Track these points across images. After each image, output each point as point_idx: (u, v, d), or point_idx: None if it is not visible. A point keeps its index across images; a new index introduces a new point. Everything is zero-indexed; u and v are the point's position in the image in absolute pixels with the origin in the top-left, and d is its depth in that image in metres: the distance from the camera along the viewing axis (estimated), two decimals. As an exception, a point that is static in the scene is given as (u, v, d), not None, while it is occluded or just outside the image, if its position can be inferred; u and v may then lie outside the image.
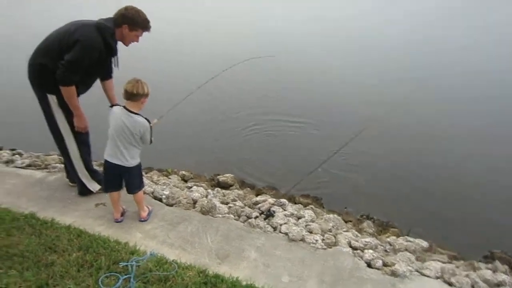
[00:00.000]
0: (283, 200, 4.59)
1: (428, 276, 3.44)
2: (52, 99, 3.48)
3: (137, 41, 3.57)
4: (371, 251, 3.68)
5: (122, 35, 3.47)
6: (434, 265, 3.63)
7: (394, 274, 3.36)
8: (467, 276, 3.51)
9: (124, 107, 3.29)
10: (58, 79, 3.27)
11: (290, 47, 14.60)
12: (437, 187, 6.44)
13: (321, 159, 6.65)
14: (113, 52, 3.50)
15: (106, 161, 3.45)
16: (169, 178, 5.22)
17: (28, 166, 4.68)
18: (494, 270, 3.85)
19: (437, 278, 3.46)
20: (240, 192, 5.08)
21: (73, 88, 3.36)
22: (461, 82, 11.01)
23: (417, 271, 3.52)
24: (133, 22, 3.40)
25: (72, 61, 3.24)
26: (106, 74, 3.75)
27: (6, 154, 5.05)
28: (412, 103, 9.06)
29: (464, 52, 14.43)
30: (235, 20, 19.71)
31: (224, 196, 4.60)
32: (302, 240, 3.68)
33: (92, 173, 3.97)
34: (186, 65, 11.83)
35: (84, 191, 4.00)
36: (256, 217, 3.94)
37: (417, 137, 8.00)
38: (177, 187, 4.63)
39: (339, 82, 11.21)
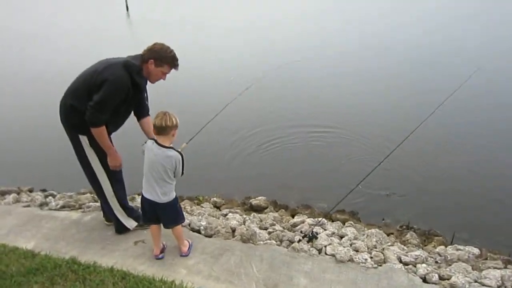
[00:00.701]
0: (322, 219, 4.46)
1: (489, 286, 3.25)
2: (84, 139, 3.46)
3: (164, 78, 3.51)
4: (424, 265, 3.51)
5: (148, 71, 3.42)
6: (493, 273, 3.43)
7: (453, 287, 3.18)
8: (530, 282, 3.30)
9: (156, 141, 3.24)
10: (88, 120, 3.25)
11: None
12: (474, 189, 6.22)
13: (352, 171, 6.59)
14: (140, 88, 3.46)
15: (142, 195, 3.42)
16: (202, 207, 5.15)
17: (62, 207, 4.67)
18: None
19: (499, 287, 3.27)
20: (276, 214, 4.97)
21: (103, 128, 3.33)
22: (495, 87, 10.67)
23: (476, 281, 3.33)
24: (159, 57, 3.35)
25: (100, 101, 3.22)
26: (140, 112, 3.70)
27: (39, 197, 5.06)
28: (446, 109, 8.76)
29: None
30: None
31: (261, 221, 4.50)
32: (351, 260, 3.53)
33: (128, 210, 3.91)
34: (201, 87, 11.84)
35: (121, 229, 3.95)
36: (299, 240, 3.81)
37: (452, 141, 7.79)
38: (213, 216, 4.55)
39: (366, 92, 11.00)
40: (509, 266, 3.91)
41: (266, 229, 4.24)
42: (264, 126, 8.87)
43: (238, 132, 8.53)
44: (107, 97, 3.24)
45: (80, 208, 4.63)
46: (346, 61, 13.75)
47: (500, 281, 3.33)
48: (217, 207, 5.42)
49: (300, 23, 22.25)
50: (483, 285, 3.28)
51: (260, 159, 7.48)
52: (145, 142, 3.38)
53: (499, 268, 3.66)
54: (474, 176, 6.55)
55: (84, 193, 5.23)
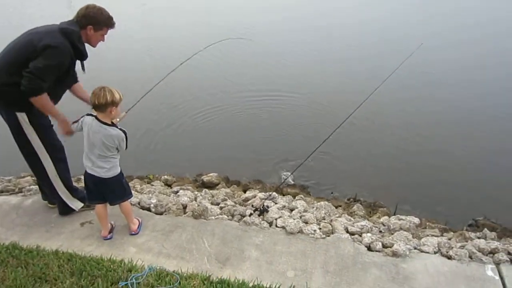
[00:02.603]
0: (273, 193, 4.54)
1: (427, 252, 3.47)
2: (22, 117, 3.23)
3: (103, 40, 3.36)
4: (369, 234, 3.68)
5: (87, 37, 3.25)
6: (430, 241, 3.68)
7: (395, 254, 3.37)
8: (462, 247, 3.56)
9: (96, 117, 3.09)
10: (26, 89, 2.99)
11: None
12: (416, 164, 6.55)
13: (302, 144, 6.72)
14: (83, 56, 3.29)
15: (85, 171, 3.27)
16: (152, 185, 5.06)
17: (1, 192, 4.39)
18: (484, 238, 3.96)
19: (435, 253, 3.50)
20: (228, 190, 4.99)
21: (46, 95, 3.10)
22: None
23: (416, 248, 3.55)
24: (97, 21, 3.20)
25: (42, 67, 2.98)
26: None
27: (-27, 182, 4.72)
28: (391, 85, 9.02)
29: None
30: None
31: (213, 197, 4.49)
32: (300, 232, 3.63)
33: (73, 191, 3.75)
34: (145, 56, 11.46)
35: (66, 210, 3.78)
36: (251, 214, 3.86)
37: (394, 114, 8.11)
38: (163, 194, 4.48)
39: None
40: (445, 234, 4.22)
41: (217, 204, 4.25)
42: (213, 97, 8.84)
43: (186, 106, 8.40)
44: (50, 63, 3.02)
45: (20, 192, 4.37)
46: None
47: (437, 247, 3.56)
48: (168, 185, 5.35)
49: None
50: (422, 251, 3.50)
51: (210, 133, 7.42)
52: (82, 117, 3.18)
53: (436, 236, 3.94)
54: (416, 151, 6.86)
55: (24, 177, 4.94)
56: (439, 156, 6.70)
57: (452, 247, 3.54)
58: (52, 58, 3.03)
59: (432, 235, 3.98)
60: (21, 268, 2.99)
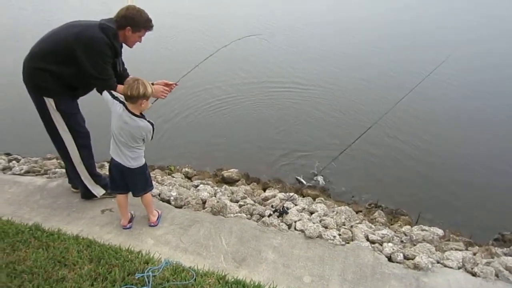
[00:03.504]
0: (293, 195, 4.48)
1: (450, 267, 3.35)
2: (50, 102, 3.28)
3: (140, 41, 3.40)
4: (390, 244, 3.59)
5: (125, 37, 3.30)
6: (454, 255, 3.55)
7: (416, 267, 3.27)
8: (488, 264, 3.43)
9: (126, 107, 3.09)
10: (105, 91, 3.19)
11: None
12: (441, 171, 6.39)
13: (326, 146, 6.64)
14: (117, 53, 3.33)
15: (111, 158, 3.29)
16: (173, 177, 5.07)
17: (27, 172, 4.49)
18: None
19: (459, 268, 3.38)
20: (247, 187, 4.96)
21: (119, 86, 3.27)
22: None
23: (439, 262, 3.43)
24: (135, 23, 3.23)
25: (98, 68, 3.16)
26: (119, 78, 3.51)
27: (2, 161, 4.84)
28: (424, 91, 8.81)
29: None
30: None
31: (232, 193, 4.46)
32: (319, 236, 3.56)
33: (96, 177, 3.79)
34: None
35: (88, 195, 3.83)
36: (270, 215, 3.81)
37: (423, 124, 7.90)
38: (184, 187, 4.48)
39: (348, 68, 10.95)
40: (469, 248, 4.06)
41: (237, 202, 4.22)
42: (239, 94, 8.85)
43: (212, 102, 8.42)
44: (98, 58, 3.15)
45: (46, 174, 4.46)
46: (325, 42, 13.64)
47: (461, 263, 3.44)
48: (189, 177, 5.35)
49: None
50: (445, 266, 3.38)
51: (234, 129, 7.42)
52: (114, 98, 3.16)
53: (460, 250, 3.80)
54: (442, 159, 6.71)
55: (50, 159, 5.04)
56: (465, 165, 6.54)
57: (477, 263, 3.42)
58: (97, 53, 3.12)
59: (456, 249, 3.84)
60: (42, 249, 3.05)
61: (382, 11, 18.73)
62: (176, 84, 3.64)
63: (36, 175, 4.46)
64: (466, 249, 3.95)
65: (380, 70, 10.73)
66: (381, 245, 3.60)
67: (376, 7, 19.54)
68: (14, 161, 4.95)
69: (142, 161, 3.30)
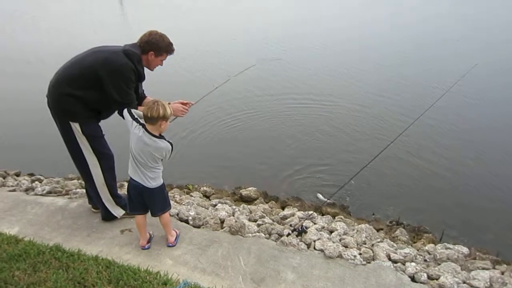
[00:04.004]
0: (312, 213, 4.42)
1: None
2: (75, 126, 3.36)
3: (162, 65, 3.50)
4: (413, 263, 3.49)
5: (148, 61, 3.40)
6: (482, 275, 3.42)
7: (441, 288, 3.17)
8: (517, 284, 3.29)
9: (145, 128, 3.13)
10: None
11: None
12: (464, 187, 6.22)
13: (345, 164, 6.57)
14: (141, 78, 3.43)
15: (129, 179, 3.33)
16: (192, 196, 5.08)
17: (49, 193, 4.58)
18: (541, 275, 3.64)
19: (487, 289, 3.25)
20: (266, 206, 4.92)
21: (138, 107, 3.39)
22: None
23: (465, 282, 3.31)
24: (158, 48, 3.34)
25: (122, 94, 3.25)
26: (139, 99, 3.62)
27: (25, 182, 4.95)
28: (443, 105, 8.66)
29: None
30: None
31: (250, 212, 4.44)
32: (339, 256, 3.49)
33: (117, 199, 3.84)
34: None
35: (108, 217, 3.88)
36: (288, 234, 3.77)
37: (445, 139, 7.75)
38: (202, 206, 4.48)
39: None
40: (497, 266, 3.90)
41: (255, 221, 4.19)
42: (257, 112, 8.88)
43: (230, 121, 8.47)
44: (124, 84, 3.25)
45: (67, 194, 4.54)
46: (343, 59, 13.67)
47: (489, 283, 3.31)
48: (207, 196, 5.36)
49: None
50: (472, 286, 3.27)
51: (252, 147, 7.42)
52: (134, 119, 3.20)
53: (487, 269, 3.65)
54: (464, 174, 6.54)
55: (71, 179, 5.14)
56: (489, 181, 6.33)
57: (506, 283, 3.29)
58: (122, 79, 3.22)
59: (483, 268, 3.69)
60: (62, 270, 3.08)
61: (398, 26, 18.72)
62: (192, 103, 3.68)
63: (58, 195, 4.54)
64: (494, 268, 3.79)
65: (398, 85, 10.64)
66: (404, 264, 3.50)
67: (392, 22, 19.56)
68: (36, 182, 5.06)
69: (160, 181, 3.33)
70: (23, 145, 7.33)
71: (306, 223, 4.07)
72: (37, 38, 15.94)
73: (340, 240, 3.81)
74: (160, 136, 3.15)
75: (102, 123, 3.59)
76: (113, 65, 3.19)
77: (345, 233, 4.03)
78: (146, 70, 3.49)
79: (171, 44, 3.41)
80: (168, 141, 3.18)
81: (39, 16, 20.17)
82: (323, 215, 4.82)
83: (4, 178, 5.23)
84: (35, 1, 25.04)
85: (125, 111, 3.25)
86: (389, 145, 3.98)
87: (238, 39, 15.87)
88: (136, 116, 3.21)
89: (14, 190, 4.70)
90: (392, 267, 3.42)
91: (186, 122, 7.58)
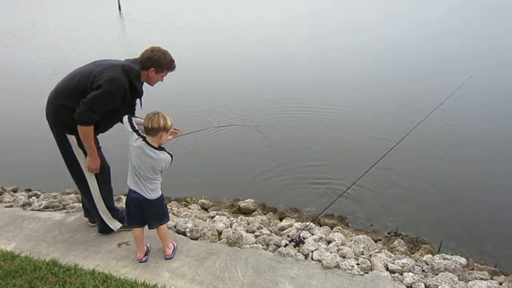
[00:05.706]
0: (310, 224, 4.42)
1: (475, 298, 3.22)
2: (72, 139, 3.38)
3: (162, 81, 3.51)
4: (410, 273, 3.48)
5: (148, 77, 3.41)
6: (479, 285, 3.41)
7: (439, 297, 3.16)
8: (516, 294, 3.29)
9: (146, 141, 3.15)
10: (77, 117, 3.15)
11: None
12: (463, 198, 6.22)
13: (342, 174, 6.59)
14: (138, 94, 3.43)
15: (128, 192, 3.33)
16: (189, 208, 5.08)
17: (46, 208, 4.57)
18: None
19: (485, 298, 3.24)
20: (264, 217, 4.92)
21: (91, 128, 3.25)
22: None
23: (463, 292, 3.30)
24: (159, 64, 3.33)
25: (96, 99, 3.13)
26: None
27: (22, 197, 4.95)
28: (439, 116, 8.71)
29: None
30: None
31: (248, 224, 4.44)
32: (337, 266, 3.48)
33: (113, 212, 3.84)
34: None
35: (105, 230, 3.87)
36: (286, 245, 3.76)
37: (443, 148, 7.79)
38: (200, 218, 4.48)
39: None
40: (495, 277, 3.89)
41: (253, 232, 4.19)
42: (254, 122, 8.96)
43: (226, 131, 8.53)
44: (103, 96, 3.16)
45: (64, 208, 4.54)
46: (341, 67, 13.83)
47: (487, 293, 3.30)
48: (205, 208, 5.36)
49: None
50: (469, 296, 3.26)
51: (250, 160, 7.44)
52: (134, 130, 3.19)
53: (485, 279, 3.64)
54: (462, 185, 6.54)
55: (68, 193, 5.13)
56: (487, 192, 6.33)
57: (504, 294, 3.27)
58: (106, 91, 3.15)
59: (481, 278, 3.68)
60: (58, 286, 3.07)
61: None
62: (179, 132, 3.63)
63: (55, 210, 4.54)
64: (491, 279, 3.79)
65: (399, 94, 10.77)
66: (401, 274, 3.49)
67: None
68: (34, 197, 5.06)
69: (159, 192, 3.34)
70: (21, 161, 7.34)
71: (304, 233, 4.07)
72: (36, 53, 16.07)
73: (337, 251, 3.81)
74: (160, 148, 3.17)
75: (99, 136, 3.61)
76: (104, 76, 3.16)
77: (342, 244, 4.02)
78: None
79: (172, 61, 3.41)
80: (168, 152, 3.20)
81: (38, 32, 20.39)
82: (320, 226, 4.82)
83: (1, 194, 5.23)
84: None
85: (125, 119, 3.25)
86: (385, 155, 4.02)
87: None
88: (136, 128, 3.22)
89: (11, 206, 4.69)
90: (390, 277, 3.41)
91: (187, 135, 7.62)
